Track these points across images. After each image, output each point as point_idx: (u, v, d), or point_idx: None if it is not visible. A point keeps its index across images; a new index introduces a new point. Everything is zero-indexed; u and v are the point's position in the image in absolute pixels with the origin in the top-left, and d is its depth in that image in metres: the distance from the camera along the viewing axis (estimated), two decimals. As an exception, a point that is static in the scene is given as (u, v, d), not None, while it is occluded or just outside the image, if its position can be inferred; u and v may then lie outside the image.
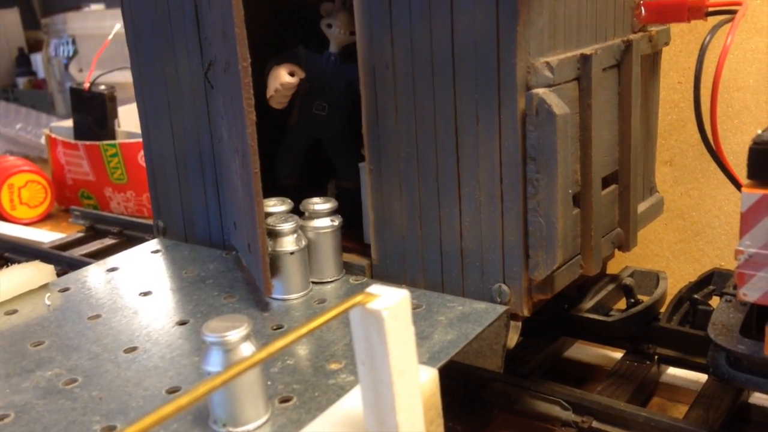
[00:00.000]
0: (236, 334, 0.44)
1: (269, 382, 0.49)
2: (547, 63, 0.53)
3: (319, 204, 0.64)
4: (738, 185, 0.62)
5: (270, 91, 0.68)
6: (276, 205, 0.65)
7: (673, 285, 0.73)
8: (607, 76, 0.59)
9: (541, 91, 0.52)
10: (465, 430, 0.61)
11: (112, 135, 1.36)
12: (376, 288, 0.39)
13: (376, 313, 0.38)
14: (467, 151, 0.57)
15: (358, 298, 0.38)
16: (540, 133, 0.52)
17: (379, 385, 0.39)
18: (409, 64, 0.58)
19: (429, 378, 0.44)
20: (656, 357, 0.68)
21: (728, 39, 0.57)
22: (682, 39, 0.77)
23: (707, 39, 0.59)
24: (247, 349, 0.44)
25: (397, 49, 0.58)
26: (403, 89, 0.59)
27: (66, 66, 2.09)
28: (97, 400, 0.49)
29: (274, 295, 0.62)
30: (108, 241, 1.11)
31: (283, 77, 0.67)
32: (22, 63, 2.47)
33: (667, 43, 0.67)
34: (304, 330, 0.36)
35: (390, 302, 0.38)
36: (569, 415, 0.60)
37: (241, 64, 0.54)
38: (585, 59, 0.56)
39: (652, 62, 0.67)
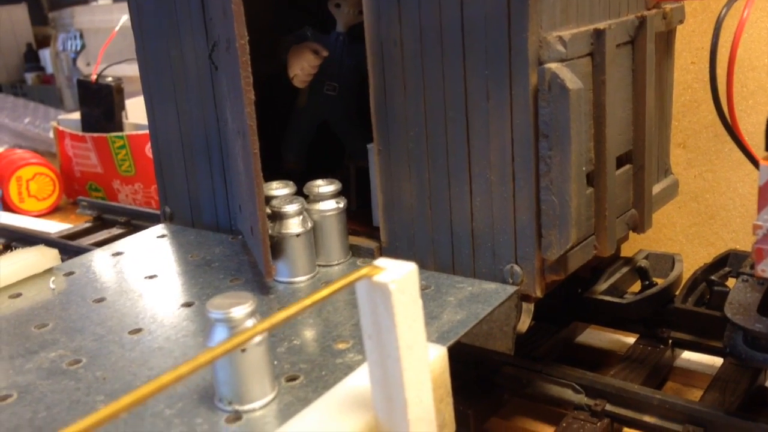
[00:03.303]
0: (241, 311, 0.43)
1: (276, 362, 0.48)
2: (560, 37, 0.52)
3: (323, 186, 0.63)
4: (756, 163, 0.60)
5: (294, 70, 0.68)
6: (279, 188, 0.64)
7: (687, 270, 0.71)
8: (620, 52, 0.58)
9: (553, 65, 0.51)
10: (476, 414, 0.60)
11: (119, 127, 1.36)
12: (383, 261, 0.38)
13: (382, 285, 0.37)
14: (477, 129, 0.56)
15: (365, 271, 0.37)
16: (552, 109, 0.51)
17: (386, 360, 0.38)
18: (418, 41, 0.57)
19: (438, 356, 0.43)
20: (670, 341, 0.67)
21: (744, 12, 0.56)
22: (695, 18, 0.76)
23: (723, 12, 0.58)
24: (251, 325, 0.43)
25: (405, 25, 0.57)
26: (412, 67, 0.58)
27: (74, 60, 2.09)
28: (101, 380, 0.49)
29: (280, 278, 0.61)
30: (115, 231, 1.10)
31: (309, 56, 0.67)
32: (31, 58, 2.47)
33: (681, 21, 0.66)
34: (308, 301, 0.35)
35: (397, 275, 0.37)
36: (582, 399, 0.59)
37: (238, 42, 0.53)
38: (598, 34, 0.54)
39: (666, 40, 0.66)
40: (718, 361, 0.65)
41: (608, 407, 0.58)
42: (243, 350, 0.43)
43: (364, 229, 0.68)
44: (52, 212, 1.39)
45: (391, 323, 0.37)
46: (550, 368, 0.62)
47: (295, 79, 0.69)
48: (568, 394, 0.60)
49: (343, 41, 0.69)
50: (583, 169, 0.54)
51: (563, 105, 0.50)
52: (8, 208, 1.36)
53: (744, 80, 0.75)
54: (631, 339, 0.70)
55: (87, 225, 1.15)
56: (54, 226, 1.24)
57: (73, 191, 1.41)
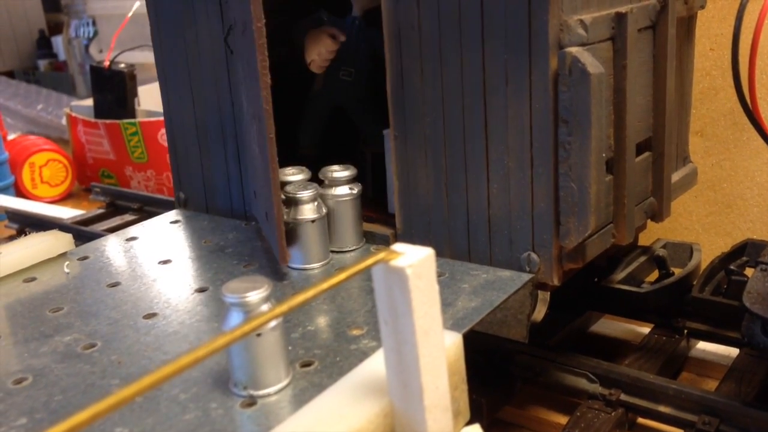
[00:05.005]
0: (256, 295, 0.42)
1: (290, 348, 0.48)
2: (581, 21, 0.51)
3: (338, 172, 0.63)
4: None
5: (311, 56, 0.68)
6: (294, 174, 0.64)
7: (703, 260, 0.70)
8: (641, 37, 0.57)
9: (574, 49, 0.50)
10: (489, 402, 0.60)
11: (132, 114, 1.36)
12: (400, 246, 0.38)
13: (399, 270, 0.36)
14: (496, 114, 0.55)
15: (381, 255, 0.37)
16: (573, 94, 0.50)
17: (402, 345, 0.38)
18: (436, 25, 0.56)
19: (453, 343, 0.43)
20: (686, 331, 0.66)
21: (769, -2, 0.55)
22: (715, 4, 0.75)
23: (746, -3, 0.57)
24: (267, 310, 0.42)
25: (423, 8, 0.56)
26: (429, 51, 0.57)
27: (86, 47, 2.09)
28: (116, 364, 0.48)
29: (293, 265, 0.61)
30: (128, 217, 1.10)
31: (327, 41, 0.66)
32: (43, 45, 2.47)
33: (702, 6, 0.65)
34: (325, 285, 0.35)
35: (414, 259, 0.37)
36: (596, 388, 0.59)
37: (255, 24, 0.53)
38: (620, 18, 0.53)
39: (688, 26, 0.65)
40: (733, 351, 0.64)
41: (623, 397, 0.58)
42: (258, 335, 0.43)
43: (379, 216, 0.67)
44: (65, 198, 1.40)
45: (408, 309, 0.37)
46: (564, 357, 0.61)
47: (312, 65, 0.68)
48: (583, 383, 0.59)
49: (359, 26, 0.68)
50: (603, 155, 0.53)
51: (584, 89, 0.50)
52: (21, 194, 1.37)
53: (764, 67, 0.73)
54: (645, 329, 0.70)
55: (100, 211, 1.15)
56: (67, 212, 1.24)
57: (85, 178, 1.41)
